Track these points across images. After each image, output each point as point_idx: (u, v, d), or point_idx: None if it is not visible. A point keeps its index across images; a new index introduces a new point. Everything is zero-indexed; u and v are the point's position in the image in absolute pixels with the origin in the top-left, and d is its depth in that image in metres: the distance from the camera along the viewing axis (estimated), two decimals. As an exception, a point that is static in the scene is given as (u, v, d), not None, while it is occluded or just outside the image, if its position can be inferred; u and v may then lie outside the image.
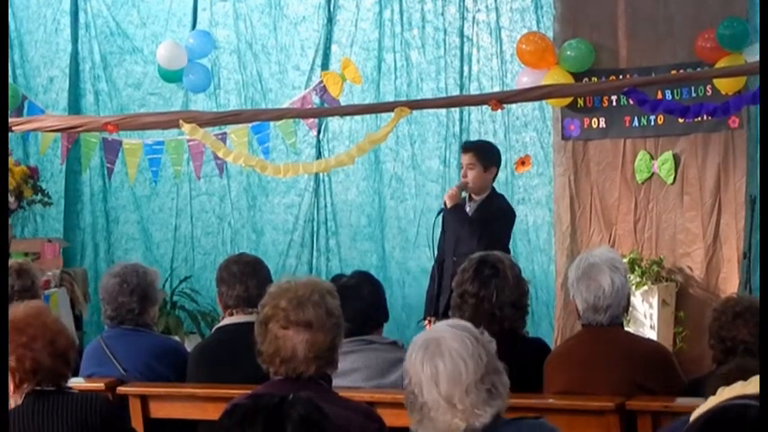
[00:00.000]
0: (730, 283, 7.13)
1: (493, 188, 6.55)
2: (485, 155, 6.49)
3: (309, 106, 8.10)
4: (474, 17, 8.19)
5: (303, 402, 2.42)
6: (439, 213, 6.58)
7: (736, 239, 7.17)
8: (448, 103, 7.45)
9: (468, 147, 6.64)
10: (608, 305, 4.01)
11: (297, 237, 8.80)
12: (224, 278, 4.64)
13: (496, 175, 6.62)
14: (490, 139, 7.75)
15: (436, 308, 6.47)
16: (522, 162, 7.84)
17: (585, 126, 7.62)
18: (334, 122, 8.62)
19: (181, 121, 6.58)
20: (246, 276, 4.59)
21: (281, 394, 2.46)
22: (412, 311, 8.11)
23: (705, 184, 7.27)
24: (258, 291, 4.17)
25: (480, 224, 6.28)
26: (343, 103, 8.09)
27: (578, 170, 7.63)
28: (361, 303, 4.26)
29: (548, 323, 7.85)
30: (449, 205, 6.39)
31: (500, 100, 6.35)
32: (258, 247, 8.67)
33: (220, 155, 7.03)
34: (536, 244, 8.04)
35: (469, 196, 6.52)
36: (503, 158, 6.87)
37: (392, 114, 6.34)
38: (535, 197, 8.07)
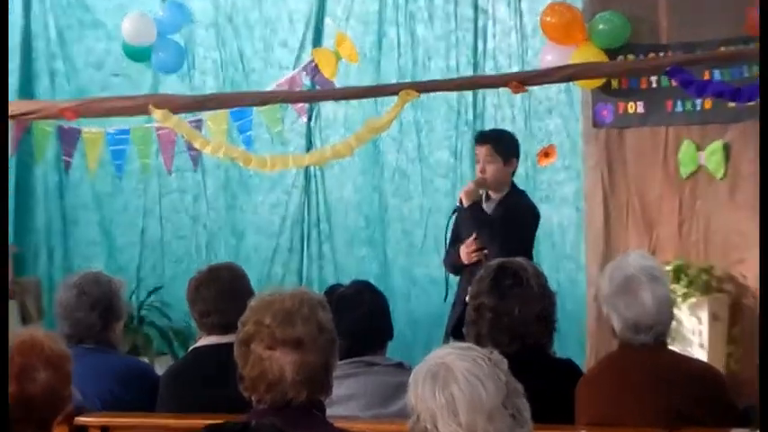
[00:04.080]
0: (791, 294, 7.11)
1: (513, 183, 6.59)
2: (504, 145, 6.54)
3: (299, 89, 8.06)
4: (490, -15, 8.21)
5: (266, 429, 2.45)
6: (453, 213, 6.56)
7: (797, 243, 7.14)
8: (460, 84, 7.45)
9: (483, 138, 6.65)
10: (651, 324, 3.99)
11: (284, 241, 8.82)
12: (195, 302, 4.59)
13: (516, 167, 6.65)
14: (508, 127, 7.77)
15: (447, 325, 6.47)
16: (546, 153, 7.79)
17: (621, 111, 7.60)
18: (327, 107, 8.63)
19: (151, 107, 6.60)
20: (223, 302, 4.49)
21: (246, 422, 2.48)
22: (418, 328, 8.10)
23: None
24: (239, 315, 4.09)
25: (502, 225, 6.27)
26: (337, 85, 8.06)
27: (612, 163, 7.62)
28: (360, 317, 4.24)
29: (576, 342, 7.81)
30: (465, 203, 6.37)
31: (521, 81, 6.37)
32: (239, 254, 8.68)
33: (197, 145, 7.02)
34: (562, 249, 8.05)
35: (487, 194, 6.54)
36: (522, 149, 6.91)
37: (395, 98, 6.35)
38: (561, 194, 8.10)
